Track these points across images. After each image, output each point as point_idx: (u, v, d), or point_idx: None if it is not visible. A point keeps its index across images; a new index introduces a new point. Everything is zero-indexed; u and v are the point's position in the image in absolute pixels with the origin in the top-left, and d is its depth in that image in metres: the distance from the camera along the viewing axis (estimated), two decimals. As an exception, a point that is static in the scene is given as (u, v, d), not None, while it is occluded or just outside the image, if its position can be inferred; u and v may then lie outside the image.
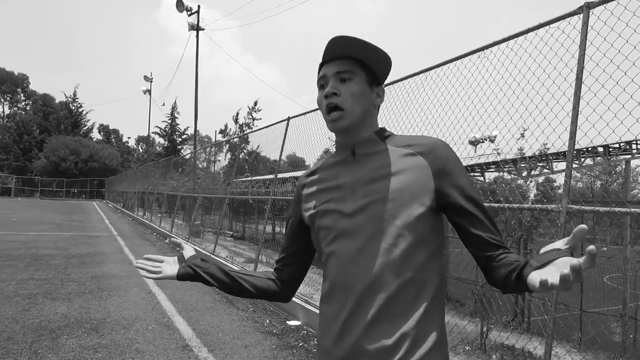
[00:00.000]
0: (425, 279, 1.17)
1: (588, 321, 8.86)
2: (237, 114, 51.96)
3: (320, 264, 1.31)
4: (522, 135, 6.83)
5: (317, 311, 5.36)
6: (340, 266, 1.20)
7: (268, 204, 8.41)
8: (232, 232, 22.71)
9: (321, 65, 1.30)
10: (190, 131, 61.63)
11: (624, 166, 14.51)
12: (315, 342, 5.12)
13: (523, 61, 3.61)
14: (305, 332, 5.48)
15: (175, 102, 58.63)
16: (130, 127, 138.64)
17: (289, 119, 7.87)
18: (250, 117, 51.00)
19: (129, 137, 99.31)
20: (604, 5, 3.06)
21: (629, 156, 13.98)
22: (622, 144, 13.17)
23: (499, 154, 7.82)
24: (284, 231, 11.45)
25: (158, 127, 58.33)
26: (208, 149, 25.13)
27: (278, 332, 5.43)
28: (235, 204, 23.08)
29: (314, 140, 7.53)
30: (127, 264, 9.81)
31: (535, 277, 0.89)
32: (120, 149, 71.44)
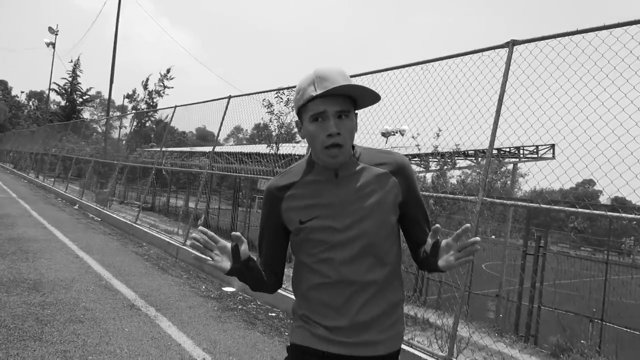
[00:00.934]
0: (397, 263, 1.55)
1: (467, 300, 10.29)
2: (147, 79, 49.39)
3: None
4: (438, 135, 7.89)
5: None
6: (336, 268, 1.45)
7: (203, 179, 8.64)
8: (139, 203, 22.10)
9: (313, 97, 1.37)
10: (93, 92, 57.44)
11: (510, 168, 16.59)
12: (253, 305, 5.64)
13: (458, 78, 4.39)
14: (241, 297, 5.96)
15: (78, 59, 54.15)
16: (22, 82, 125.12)
17: (229, 97, 8.16)
18: (162, 84, 48.80)
19: (22, 92, 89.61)
20: (526, 44, 3.89)
21: (517, 159, 16.01)
22: (511, 149, 15.09)
23: (419, 149, 8.79)
24: (195, 205, 11.49)
25: (56, 84, 53.60)
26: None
27: (216, 296, 5.86)
28: (144, 174, 22.49)
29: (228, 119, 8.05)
30: (41, 227, 9.47)
31: (443, 263, 1.37)
32: (8, 103, 64.63)
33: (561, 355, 6.61)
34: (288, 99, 9.00)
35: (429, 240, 1.40)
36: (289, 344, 1.57)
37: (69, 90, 54.80)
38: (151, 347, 3.95)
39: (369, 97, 1.42)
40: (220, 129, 8.21)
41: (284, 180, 1.54)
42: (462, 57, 4.42)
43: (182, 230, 10.57)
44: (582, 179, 4.18)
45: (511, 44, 4.03)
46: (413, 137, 7.89)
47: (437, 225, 1.37)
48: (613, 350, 7.08)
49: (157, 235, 9.13)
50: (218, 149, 8.81)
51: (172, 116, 10.41)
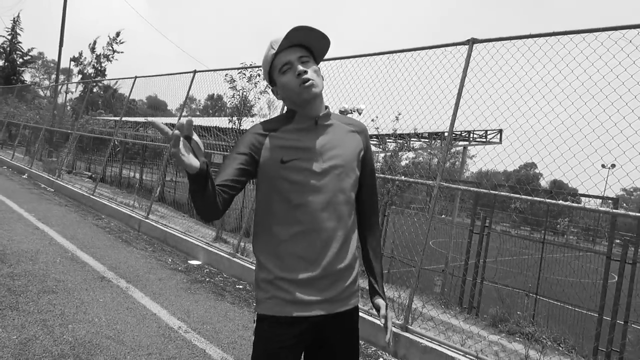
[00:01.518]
0: (355, 217, 1.71)
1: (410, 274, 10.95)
2: (95, 42, 47.32)
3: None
4: (397, 119, 8.30)
5: (219, 253, 6.09)
6: (312, 214, 1.55)
7: (167, 151, 8.66)
8: (90, 173, 21.49)
9: (277, 53, 1.57)
10: (35, 53, 54.21)
11: (460, 149, 17.43)
12: (220, 278, 5.88)
13: (422, 70, 4.73)
14: (207, 270, 6.19)
15: (18, 16, 50.74)
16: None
17: (195, 72, 8.18)
18: (111, 48, 46.88)
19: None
20: (484, 44, 4.26)
21: (467, 142, 16.82)
22: (462, 132, 15.83)
23: (378, 130, 9.13)
24: (160, 177, 11.42)
25: (-6, 43, 50.08)
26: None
27: (183, 269, 6.05)
28: (95, 143, 21.88)
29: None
30: (-8, 197, 9.20)
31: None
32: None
33: (499, 325, 7.29)
34: (251, 74, 9.09)
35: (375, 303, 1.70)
36: (257, 315, 1.59)
37: (8, 49, 51.50)
38: (128, 316, 4.14)
39: (318, 40, 1.57)
40: (185, 103, 8.23)
41: (267, 125, 1.63)
42: (426, 50, 4.75)
43: (137, 203, 10.49)
44: (525, 162, 4.67)
45: (471, 42, 4.39)
46: (372, 120, 8.24)
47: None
48: (545, 321, 7.86)
49: (117, 207, 9.09)
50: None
51: (132, 87, 10.23)
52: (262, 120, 1.69)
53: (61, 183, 11.89)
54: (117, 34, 46.22)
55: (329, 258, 1.56)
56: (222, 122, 14.25)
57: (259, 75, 8.94)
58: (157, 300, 4.68)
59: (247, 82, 9.39)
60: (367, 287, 1.76)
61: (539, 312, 8.35)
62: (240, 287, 5.64)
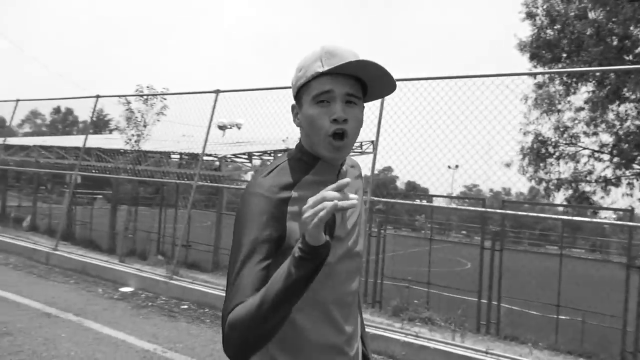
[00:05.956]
0: None
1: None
2: None
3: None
4: (284, 141, 9.35)
5: (153, 277, 6.26)
6: (336, 287, 1.24)
7: (73, 181, 8.31)
8: None
9: (319, 74, 1.15)
10: None
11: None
12: (161, 301, 6.05)
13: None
14: (144, 295, 6.28)
15: None
16: None
17: (97, 97, 8.07)
18: None
19: None
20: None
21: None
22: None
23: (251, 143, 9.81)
24: (58, 209, 10.66)
25: None
26: None
27: (120, 297, 6.08)
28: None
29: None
30: None
31: None
32: None
33: (400, 314, 8.47)
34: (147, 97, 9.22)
35: None
36: None
37: None
38: (100, 345, 4.27)
39: (383, 83, 1.21)
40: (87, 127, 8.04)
41: (281, 178, 1.20)
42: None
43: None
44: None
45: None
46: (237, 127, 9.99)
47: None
48: (437, 306, 9.25)
49: (13, 242, 8.44)
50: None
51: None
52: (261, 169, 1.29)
53: None
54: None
55: (350, 331, 1.31)
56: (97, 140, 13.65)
57: (156, 97, 9.10)
58: (118, 328, 4.81)
59: (143, 104, 9.45)
60: None
61: (432, 299, 9.76)
62: (185, 307, 5.89)
